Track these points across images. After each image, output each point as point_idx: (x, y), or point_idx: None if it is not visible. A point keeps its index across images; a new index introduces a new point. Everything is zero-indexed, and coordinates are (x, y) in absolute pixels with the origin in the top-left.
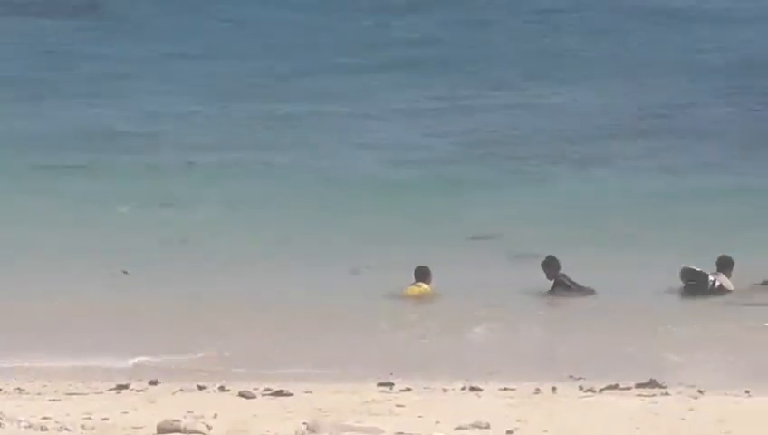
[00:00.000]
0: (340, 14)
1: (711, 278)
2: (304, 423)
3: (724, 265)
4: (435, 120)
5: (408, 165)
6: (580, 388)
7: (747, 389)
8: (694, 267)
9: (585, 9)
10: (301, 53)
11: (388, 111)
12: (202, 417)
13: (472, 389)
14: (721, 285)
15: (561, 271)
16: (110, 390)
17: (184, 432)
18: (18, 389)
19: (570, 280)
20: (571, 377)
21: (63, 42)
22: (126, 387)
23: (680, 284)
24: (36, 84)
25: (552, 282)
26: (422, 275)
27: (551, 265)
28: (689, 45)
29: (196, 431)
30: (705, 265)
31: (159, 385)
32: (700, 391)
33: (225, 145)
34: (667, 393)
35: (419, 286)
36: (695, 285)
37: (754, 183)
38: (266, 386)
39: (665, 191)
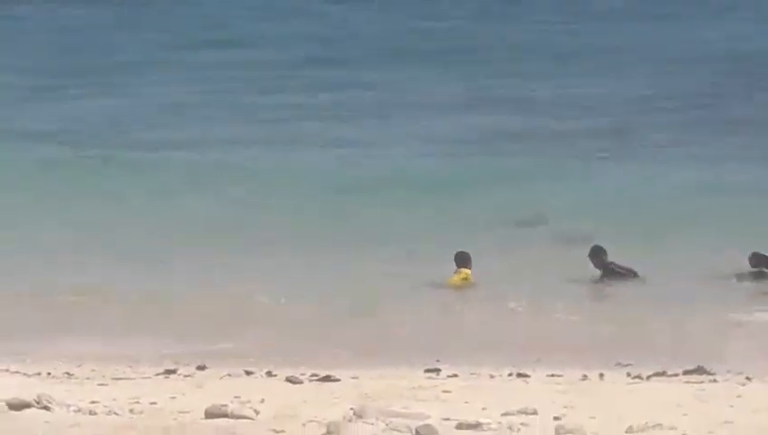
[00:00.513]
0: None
1: None
2: (351, 408)
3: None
4: (471, 111)
5: (448, 154)
6: (628, 374)
7: None
8: (765, 253)
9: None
10: (333, 42)
11: (425, 101)
12: (249, 402)
13: (519, 375)
14: None
15: (609, 259)
16: (158, 374)
17: (231, 417)
18: (67, 373)
19: (618, 265)
20: (618, 364)
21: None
22: (174, 372)
23: (728, 269)
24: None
25: (600, 271)
26: (463, 260)
27: (597, 255)
28: (718, 36)
29: (244, 416)
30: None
31: (207, 370)
32: (748, 378)
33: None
34: (714, 380)
35: (460, 273)
36: (765, 271)
37: None
38: (313, 372)
39: (703, 181)
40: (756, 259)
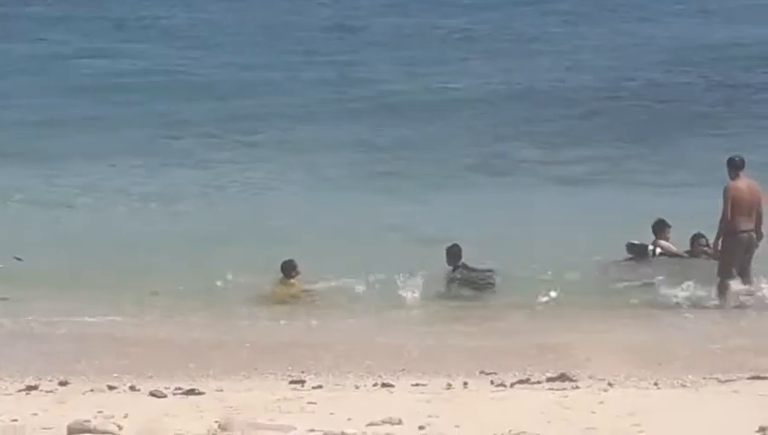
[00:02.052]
0: None
1: (650, 247)
2: (216, 422)
3: (659, 229)
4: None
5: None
6: (492, 382)
7: (656, 381)
8: (634, 241)
9: None
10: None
11: None
12: (113, 417)
13: (384, 385)
14: (663, 251)
15: (463, 260)
16: (20, 391)
17: (94, 432)
18: None
19: (471, 268)
20: (482, 372)
21: None
22: (35, 388)
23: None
24: None
25: (453, 269)
26: (288, 269)
27: (454, 254)
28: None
29: (107, 431)
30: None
31: (69, 386)
32: (610, 384)
33: None
34: (577, 387)
35: (287, 283)
36: (635, 257)
37: None
38: (177, 385)
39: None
40: (627, 249)
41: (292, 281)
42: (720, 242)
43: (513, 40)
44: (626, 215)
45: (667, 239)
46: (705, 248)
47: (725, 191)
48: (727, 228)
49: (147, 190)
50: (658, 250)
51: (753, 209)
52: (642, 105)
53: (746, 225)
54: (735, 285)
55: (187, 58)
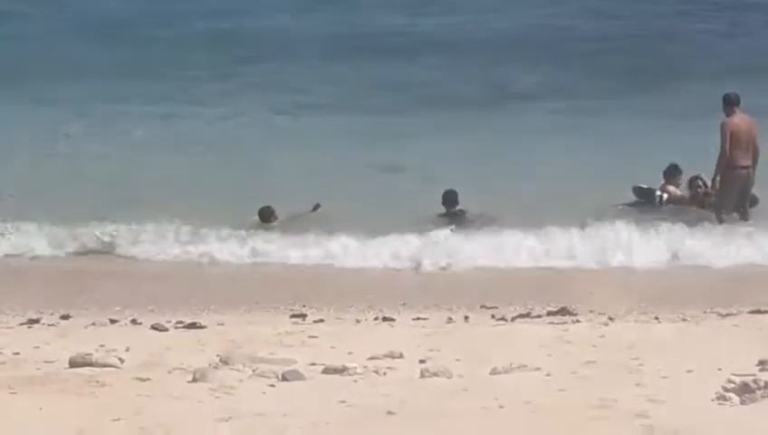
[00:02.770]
0: None
1: (658, 193)
2: (217, 355)
3: (671, 174)
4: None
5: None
6: (493, 316)
7: (656, 315)
8: (642, 185)
9: None
10: None
11: None
12: (114, 350)
13: (385, 319)
14: (671, 197)
15: (460, 206)
16: (21, 324)
17: (96, 365)
18: None
19: (467, 213)
20: (483, 306)
21: None
22: (37, 321)
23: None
24: None
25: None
26: (266, 215)
27: (451, 199)
28: None
29: (108, 365)
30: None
31: (71, 320)
32: (611, 319)
33: None
34: (578, 321)
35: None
36: (644, 202)
37: None
38: (178, 319)
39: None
40: (634, 192)
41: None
42: (718, 179)
43: None
44: (630, 152)
45: (677, 186)
46: (704, 190)
47: (723, 126)
48: (726, 164)
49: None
50: (666, 196)
51: (750, 145)
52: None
53: (744, 160)
54: (731, 219)
55: None
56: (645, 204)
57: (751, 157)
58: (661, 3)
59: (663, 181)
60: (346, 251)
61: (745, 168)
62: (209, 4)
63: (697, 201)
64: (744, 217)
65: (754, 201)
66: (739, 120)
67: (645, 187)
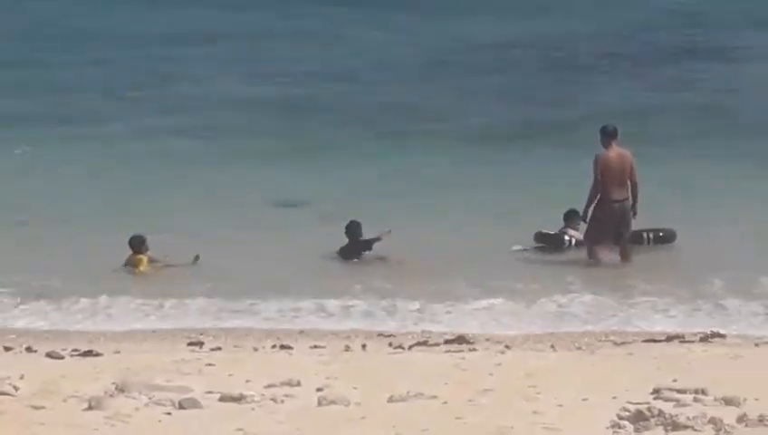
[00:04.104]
0: None
1: (567, 237)
2: (114, 383)
3: (571, 218)
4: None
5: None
6: (390, 344)
7: (552, 343)
8: (547, 231)
9: None
10: None
11: None
12: (9, 378)
13: (282, 347)
14: (578, 240)
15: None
16: None
17: None
18: None
19: (371, 239)
20: (380, 335)
21: None
22: None
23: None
24: None
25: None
26: (138, 244)
27: (354, 230)
28: None
29: (3, 392)
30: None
31: None
32: (507, 347)
33: None
34: (474, 349)
35: (139, 259)
36: (549, 247)
37: None
38: (74, 347)
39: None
40: (537, 238)
41: (140, 257)
42: (590, 210)
43: None
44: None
45: (576, 229)
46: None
47: (596, 160)
48: (600, 197)
49: None
50: (574, 240)
51: (625, 178)
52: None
53: (618, 194)
54: (603, 249)
55: None
56: (549, 248)
57: (626, 190)
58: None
59: (564, 225)
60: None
61: (619, 201)
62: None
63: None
64: (624, 252)
65: (672, 236)
66: (614, 153)
67: (551, 232)
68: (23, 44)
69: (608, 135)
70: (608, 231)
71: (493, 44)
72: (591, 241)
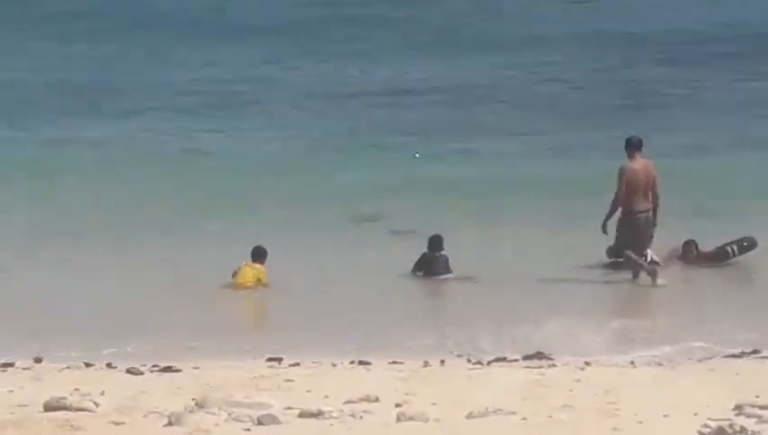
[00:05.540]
0: None
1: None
2: (193, 399)
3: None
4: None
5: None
6: (469, 360)
7: (632, 359)
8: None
9: None
10: None
11: None
12: (89, 394)
13: (361, 363)
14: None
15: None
16: None
17: (70, 410)
18: None
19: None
20: (458, 355)
21: None
22: (11, 365)
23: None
24: None
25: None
26: (262, 255)
27: (438, 244)
28: None
29: (83, 409)
30: None
31: (45, 363)
32: (587, 363)
33: None
34: (554, 365)
35: (254, 267)
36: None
37: None
38: (154, 363)
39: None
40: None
41: (262, 268)
42: (608, 222)
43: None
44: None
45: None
46: (696, 253)
47: (621, 172)
48: (624, 209)
49: None
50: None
51: (649, 190)
52: None
53: (642, 205)
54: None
55: None
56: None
57: (649, 201)
58: None
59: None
60: None
61: (643, 212)
62: None
63: (688, 262)
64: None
65: (754, 244)
66: (639, 164)
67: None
68: None
69: (633, 146)
70: (635, 243)
71: None
72: (622, 252)
